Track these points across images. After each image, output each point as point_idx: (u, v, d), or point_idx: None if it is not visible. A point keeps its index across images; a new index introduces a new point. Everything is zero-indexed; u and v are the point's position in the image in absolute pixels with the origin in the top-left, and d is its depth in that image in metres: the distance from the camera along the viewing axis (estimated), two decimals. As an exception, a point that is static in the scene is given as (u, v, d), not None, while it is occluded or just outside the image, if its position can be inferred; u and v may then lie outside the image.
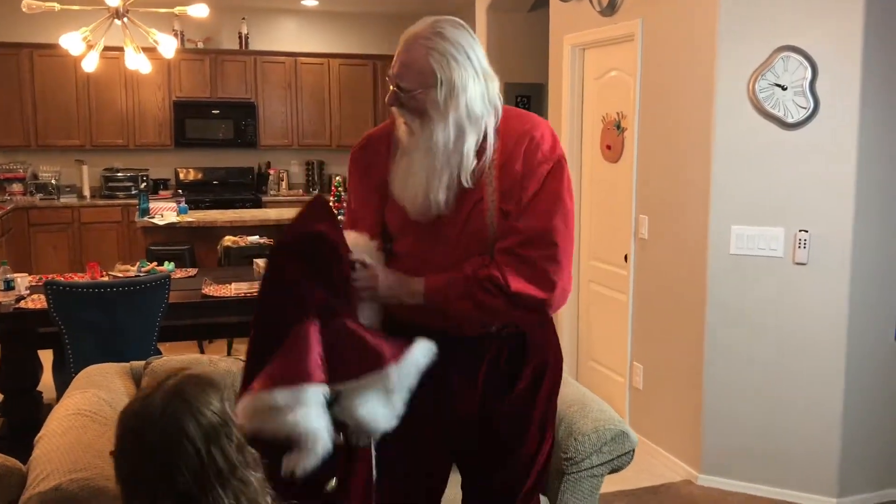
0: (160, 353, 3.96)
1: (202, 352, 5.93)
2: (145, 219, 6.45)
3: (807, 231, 3.66)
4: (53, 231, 7.92)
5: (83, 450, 2.20)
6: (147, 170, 8.51)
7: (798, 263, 3.69)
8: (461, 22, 1.94)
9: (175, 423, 1.44)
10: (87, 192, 8.31)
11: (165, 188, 8.58)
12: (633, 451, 2.80)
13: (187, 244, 6.37)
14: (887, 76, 3.57)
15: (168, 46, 4.98)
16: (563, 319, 5.19)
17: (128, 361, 3.13)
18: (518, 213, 1.95)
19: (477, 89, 1.90)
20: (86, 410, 2.49)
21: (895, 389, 3.77)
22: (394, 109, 1.99)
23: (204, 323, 4.79)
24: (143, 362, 3.04)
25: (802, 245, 3.67)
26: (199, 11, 4.79)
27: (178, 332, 4.81)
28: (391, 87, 1.95)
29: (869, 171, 3.60)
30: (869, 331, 3.69)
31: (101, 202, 8.17)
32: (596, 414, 2.75)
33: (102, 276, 4.70)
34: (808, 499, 3.75)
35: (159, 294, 3.96)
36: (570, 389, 2.77)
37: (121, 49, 6.19)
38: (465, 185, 1.95)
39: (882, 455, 3.79)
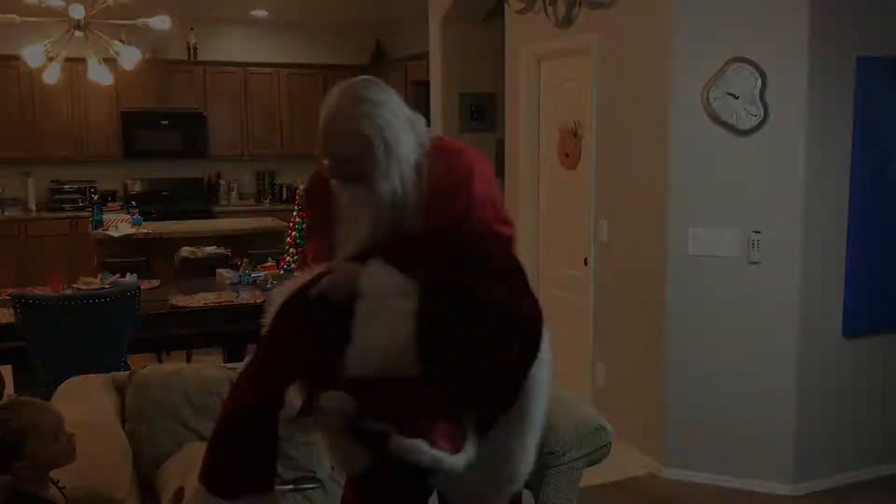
0: (129, 366, 3.94)
1: (160, 363, 5.87)
2: (99, 231, 6.37)
3: (759, 232, 3.86)
4: (-2, 245, 7.76)
5: (82, 460, 2.23)
6: (94, 182, 8.39)
7: (752, 263, 3.89)
8: (372, 79, 1.97)
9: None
10: (32, 205, 8.16)
11: (114, 200, 8.46)
12: (610, 444, 2.95)
13: (142, 256, 6.30)
14: (831, 84, 3.79)
15: (129, 57, 4.97)
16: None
17: (98, 374, 3.13)
18: None
19: (410, 139, 1.94)
20: (78, 422, 2.51)
21: (844, 380, 3.99)
22: (333, 182, 2.00)
23: (176, 334, 4.76)
24: (125, 373, 3.06)
25: (755, 246, 3.87)
26: (161, 23, 4.79)
27: (144, 345, 4.77)
28: (325, 163, 1.95)
29: (815, 174, 3.81)
30: (819, 325, 3.91)
31: (47, 215, 8.02)
32: (575, 409, 2.89)
33: (63, 288, 4.65)
34: (767, 486, 3.94)
35: (129, 305, 3.96)
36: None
37: (73, 60, 6.13)
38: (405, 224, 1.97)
39: (833, 443, 4.00)
